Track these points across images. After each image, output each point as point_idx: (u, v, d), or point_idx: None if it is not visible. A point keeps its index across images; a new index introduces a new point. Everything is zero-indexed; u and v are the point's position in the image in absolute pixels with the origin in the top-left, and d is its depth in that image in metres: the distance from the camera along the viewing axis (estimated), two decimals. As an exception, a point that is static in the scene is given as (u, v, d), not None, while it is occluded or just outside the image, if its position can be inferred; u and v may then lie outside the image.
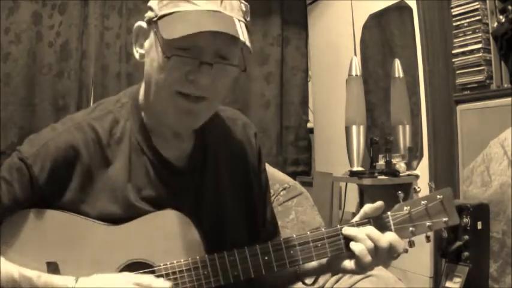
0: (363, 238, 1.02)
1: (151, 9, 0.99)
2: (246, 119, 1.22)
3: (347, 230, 1.04)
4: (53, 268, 0.96)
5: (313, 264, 1.09)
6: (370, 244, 1.01)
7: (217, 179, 1.11)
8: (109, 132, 1.04)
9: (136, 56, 1.03)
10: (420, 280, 2.34)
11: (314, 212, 1.99)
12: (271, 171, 1.88)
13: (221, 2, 0.95)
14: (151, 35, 0.99)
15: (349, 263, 1.04)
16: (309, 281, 1.14)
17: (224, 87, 1.00)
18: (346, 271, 1.06)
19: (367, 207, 1.06)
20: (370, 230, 1.03)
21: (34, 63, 2.97)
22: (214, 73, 0.95)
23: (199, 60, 0.94)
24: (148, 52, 1.00)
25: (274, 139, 3.53)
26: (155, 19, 0.97)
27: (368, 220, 1.05)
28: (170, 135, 1.06)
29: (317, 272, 1.12)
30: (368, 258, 1.01)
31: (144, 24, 1.01)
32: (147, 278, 0.95)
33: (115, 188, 1.01)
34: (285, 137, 3.59)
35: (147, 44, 1.01)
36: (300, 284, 1.16)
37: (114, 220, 1.00)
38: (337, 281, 1.59)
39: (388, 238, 1.02)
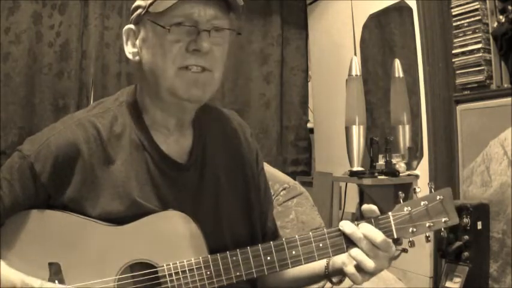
0: (358, 235, 1.02)
1: (137, 8, 1.04)
2: (240, 119, 1.23)
3: (345, 227, 1.03)
4: (55, 269, 0.96)
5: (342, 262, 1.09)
6: (366, 242, 1.01)
7: (216, 175, 1.12)
8: (109, 128, 1.04)
9: (130, 56, 1.06)
10: (420, 280, 2.34)
11: (314, 212, 1.99)
12: (271, 171, 1.88)
13: None
14: (145, 27, 1.03)
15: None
16: (335, 279, 1.13)
17: (222, 57, 1.04)
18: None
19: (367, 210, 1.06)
20: (365, 226, 1.03)
21: (34, 63, 2.96)
22: (212, 41, 0.99)
23: (197, 29, 0.98)
24: (143, 44, 1.03)
25: (274, 139, 3.52)
26: (144, 12, 1.01)
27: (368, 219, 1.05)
28: (170, 131, 1.07)
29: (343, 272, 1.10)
30: (367, 259, 1.01)
31: (132, 26, 1.06)
32: None
33: (117, 185, 1.01)
34: (285, 137, 3.59)
35: (139, 39, 1.04)
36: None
37: (117, 217, 1.00)
38: (337, 281, 1.59)
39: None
